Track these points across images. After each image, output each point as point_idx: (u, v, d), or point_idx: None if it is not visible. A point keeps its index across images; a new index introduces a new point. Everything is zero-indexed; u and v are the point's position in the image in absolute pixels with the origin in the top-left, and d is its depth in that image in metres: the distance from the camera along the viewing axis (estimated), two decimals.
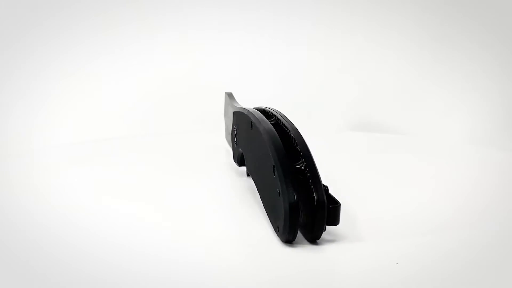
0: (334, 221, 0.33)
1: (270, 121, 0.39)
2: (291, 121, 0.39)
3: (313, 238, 0.33)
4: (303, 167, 0.34)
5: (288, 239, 0.33)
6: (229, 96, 0.54)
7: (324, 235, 0.33)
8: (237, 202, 0.41)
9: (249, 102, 0.51)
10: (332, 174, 0.45)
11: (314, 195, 0.32)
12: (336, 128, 0.79)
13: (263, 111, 0.42)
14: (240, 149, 0.45)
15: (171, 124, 0.77)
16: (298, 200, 0.32)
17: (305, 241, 0.34)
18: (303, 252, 0.32)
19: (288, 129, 0.37)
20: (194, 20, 0.79)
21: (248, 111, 0.42)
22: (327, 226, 0.33)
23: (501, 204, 0.41)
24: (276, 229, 0.34)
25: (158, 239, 0.34)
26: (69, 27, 0.73)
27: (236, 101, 0.53)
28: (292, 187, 0.32)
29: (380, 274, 0.30)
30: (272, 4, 0.80)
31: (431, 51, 0.78)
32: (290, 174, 0.33)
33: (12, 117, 0.70)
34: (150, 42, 0.79)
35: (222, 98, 0.55)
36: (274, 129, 0.37)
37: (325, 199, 0.32)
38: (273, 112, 0.42)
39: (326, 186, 0.33)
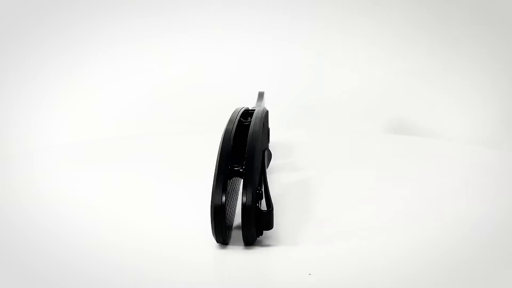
0: (267, 225, 0.32)
1: (245, 122, 0.39)
2: (266, 123, 0.39)
3: (246, 241, 0.33)
4: (241, 170, 0.33)
5: (218, 241, 0.32)
6: (259, 95, 0.55)
7: (265, 239, 0.33)
8: None
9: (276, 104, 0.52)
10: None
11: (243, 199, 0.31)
12: (368, 130, 0.78)
13: (247, 110, 0.43)
14: None
15: (171, 124, 0.77)
16: (224, 203, 0.31)
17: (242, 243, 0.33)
18: (225, 254, 0.32)
19: (251, 131, 0.37)
20: (199, 19, 0.79)
21: (235, 110, 0.42)
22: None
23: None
24: None
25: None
26: (69, 27, 0.73)
27: (260, 100, 0.54)
28: (221, 189, 0.32)
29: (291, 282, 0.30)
30: (300, 7, 0.80)
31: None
32: (222, 175, 0.32)
33: (12, 117, 0.70)
34: (150, 42, 0.79)
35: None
36: (233, 130, 0.37)
37: (252, 203, 0.31)
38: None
39: (260, 190, 0.33)
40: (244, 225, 0.32)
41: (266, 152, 0.40)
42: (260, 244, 0.33)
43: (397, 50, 0.79)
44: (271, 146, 0.59)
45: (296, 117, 0.81)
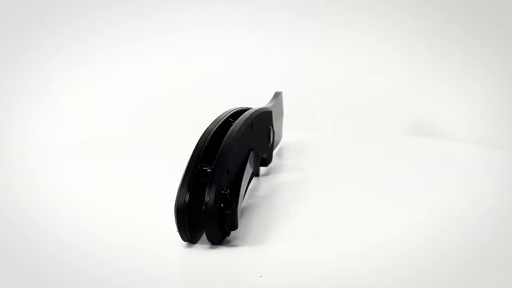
0: (231, 226, 0.32)
1: (233, 122, 0.39)
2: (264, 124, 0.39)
3: (211, 241, 0.33)
4: (209, 170, 0.33)
5: (184, 239, 0.33)
6: (275, 95, 0.56)
7: (234, 239, 0.33)
8: None
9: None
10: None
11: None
12: (392, 132, 0.78)
13: (240, 111, 0.42)
14: None
15: (172, 124, 0.77)
16: (187, 202, 0.31)
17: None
18: (188, 253, 0.32)
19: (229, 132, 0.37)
20: (203, 18, 0.79)
21: (227, 110, 0.42)
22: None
23: None
24: None
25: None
26: (69, 26, 0.72)
27: (274, 101, 0.54)
28: (186, 188, 0.32)
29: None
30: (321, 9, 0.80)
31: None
32: (189, 175, 0.33)
33: (11, 117, 0.70)
34: (151, 41, 0.78)
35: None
36: (213, 130, 0.37)
37: (213, 203, 0.31)
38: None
39: (226, 190, 0.32)
40: (206, 226, 0.32)
41: (253, 153, 0.40)
42: (228, 243, 0.33)
43: (413, 50, 0.79)
44: (281, 147, 0.59)
45: (311, 118, 0.81)
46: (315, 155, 0.59)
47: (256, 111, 0.43)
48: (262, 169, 0.50)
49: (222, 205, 0.32)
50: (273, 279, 0.29)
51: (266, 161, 0.48)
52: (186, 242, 0.33)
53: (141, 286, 0.29)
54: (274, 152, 0.58)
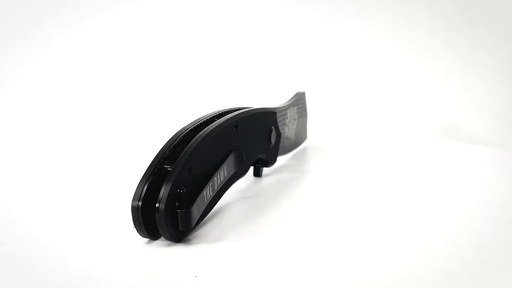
0: (184, 225, 0.32)
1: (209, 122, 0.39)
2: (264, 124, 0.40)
3: (166, 238, 0.33)
4: (169, 169, 0.33)
5: (141, 236, 0.33)
6: (295, 95, 0.57)
7: (194, 238, 0.34)
8: None
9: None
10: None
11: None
12: (425, 135, 0.76)
13: (228, 111, 0.42)
14: None
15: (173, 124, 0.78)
16: (142, 199, 0.32)
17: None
18: (142, 250, 0.33)
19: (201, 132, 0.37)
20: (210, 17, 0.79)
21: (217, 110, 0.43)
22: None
23: None
24: None
25: None
26: (68, 26, 0.73)
27: (291, 101, 0.55)
28: (143, 186, 0.32)
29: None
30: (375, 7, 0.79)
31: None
32: (148, 173, 0.33)
33: (10, 117, 0.71)
34: (151, 42, 0.79)
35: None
36: (187, 129, 0.37)
37: (165, 201, 0.32)
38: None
39: (182, 189, 0.33)
40: (158, 223, 0.32)
41: (234, 154, 0.39)
42: (187, 241, 0.34)
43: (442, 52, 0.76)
44: (305, 147, 0.59)
45: (338, 119, 0.80)
46: (332, 157, 0.58)
47: (244, 111, 0.42)
48: (265, 170, 0.50)
49: (177, 204, 0.32)
50: (210, 277, 0.29)
51: (266, 162, 0.48)
52: (147, 239, 0.34)
53: (89, 280, 0.29)
54: (295, 151, 0.58)
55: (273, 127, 0.48)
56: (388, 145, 0.64)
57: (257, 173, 0.48)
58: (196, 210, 0.34)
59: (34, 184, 0.48)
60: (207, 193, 0.35)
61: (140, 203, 0.32)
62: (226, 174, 0.38)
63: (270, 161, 0.48)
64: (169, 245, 0.33)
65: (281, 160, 0.54)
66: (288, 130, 0.55)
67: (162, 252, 0.32)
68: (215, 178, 0.36)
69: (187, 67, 0.80)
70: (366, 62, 0.79)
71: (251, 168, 0.48)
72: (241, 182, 0.46)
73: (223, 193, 0.39)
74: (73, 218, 0.39)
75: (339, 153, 0.60)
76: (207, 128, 0.37)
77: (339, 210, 0.40)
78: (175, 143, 0.36)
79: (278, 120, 0.50)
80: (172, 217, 0.32)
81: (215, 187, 0.37)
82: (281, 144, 0.52)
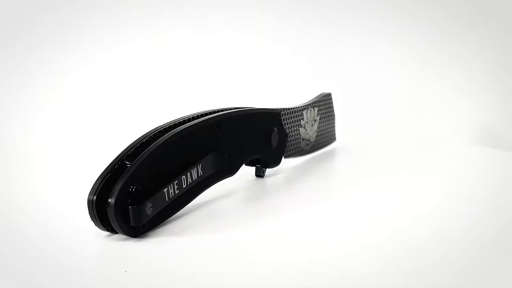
0: (134, 220, 0.33)
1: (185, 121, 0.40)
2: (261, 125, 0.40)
3: (121, 233, 0.34)
4: (128, 166, 0.34)
5: (99, 228, 0.34)
6: (319, 96, 0.57)
7: (154, 233, 0.35)
8: None
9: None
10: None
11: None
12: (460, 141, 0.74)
13: (216, 111, 0.43)
14: None
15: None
16: (97, 194, 0.33)
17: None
18: (98, 244, 0.34)
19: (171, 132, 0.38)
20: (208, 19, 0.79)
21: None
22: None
23: None
24: None
25: None
26: (66, 25, 0.74)
27: (312, 101, 0.55)
28: (100, 181, 0.34)
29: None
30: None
31: None
32: (107, 170, 0.34)
33: (10, 117, 0.73)
34: (152, 42, 0.79)
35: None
36: (158, 129, 0.38)
37: (116, 197, 0.32)
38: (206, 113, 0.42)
39: (134, 187, 0.33)
40: (109, 218, 0.33)
41: (213, 154, 0.40)
42: (147, 236, 0.35)
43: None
44: (331, 149, 0.59)
45: (373, 122, 0.78)
46: (359, 159, 0.57)
47: (232, 111, 0.43)
48: (269, 171, 0.50)
49: (129, 200, 0.33)
50: (150, 273, 0.30)
51: (266, 163, 0.48)
52: (108, 233, 0.35)
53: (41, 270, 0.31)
54: (319, 152, 0.57)
55: (275, 128, 0.48)
56: (415, 149, 0.62)
57: (258, 173, 0.48)
58: (153, 207, 0.34)
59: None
60: (170, 191, 0.36)
61: (95, 197, 0.33)
62: (201, 174, 0.39)
63: (270, 162, 0.48)
64: (126, 239, 0.34)
65: (296, 161, 0.54)
66: (305, 132, 0.54)
67: (114, 245, 0.34)
68: (184, 177, 0.37)
69: (208, 68, 0.81)
70: (399, 65, 0.77)
71: (252, 168, 0.48)
72: (238, 182, 0.46)
73: (201, 191, 0.40)
74: (47, 210, 0.41)
75: (368, 156, 0.59)
76: (180, 127, 0.38)
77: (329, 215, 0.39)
78: (144, 141, 0.37)
79: (288, 121, 0.50)
80: (124, 212, 0.33)
81: (183, 186, 0.37)
82: (296, 146, 0.52)
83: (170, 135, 0.37)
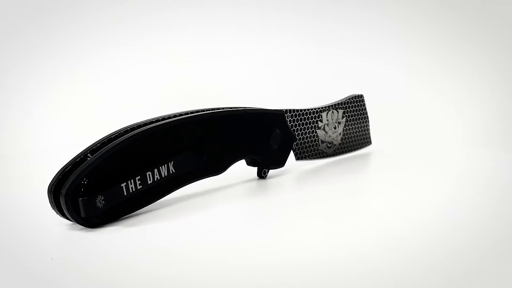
0: (85, 212, 0.35)
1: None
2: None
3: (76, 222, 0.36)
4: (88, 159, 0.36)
5: (61, 216, 0.36)
6: (349, 97, 0.56)
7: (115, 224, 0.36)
8: None
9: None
10: None
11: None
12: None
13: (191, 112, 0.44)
14: None
15: None
16: (55, 184, 0.36)
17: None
18: (57, 233, 0.36)
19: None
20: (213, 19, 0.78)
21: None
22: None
23: None
24: None
25: None
26: (67, 27, 0.74)
27: (331, 103, 0.54)
28: (60, 172, 0.36)
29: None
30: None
31: None
32: (69, 163, 0.37)
33: (10, 117, 0.74)
34: (152, 43, 0.79)
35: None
36: (132, 126, 0.40)
37: (67, 188, 0.35)
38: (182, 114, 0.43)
39: (87, 180, 0.35)
40: (63, 207, 0.35)
41: (188, 153, 0.41)
42: (105, 226, 0.37)
43: None
44: (364, 153, 0.57)
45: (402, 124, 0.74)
46: (393, 162, 0.55)
47: (216, 112, 0.43)
48: (275, 172, 0.50)
49: (80, 192, 0.35)
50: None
51: (265, 164, 0.47)
52: (71, 222, 0.37)
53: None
54: (352, 154, 0.56)
55: (276, 129, 0.47)
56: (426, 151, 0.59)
57: (260, 174, 0.48)
58: (107, 200, 0.36)
59: None
60: (130, 186, 0.37)
61: (53, 188, 0.36)
62: (173, 171, 0.40)
63: (270, 164, 0.48)
64: (84, 229, 0.36)
65: (315, 163, 0.53)
66: (325, 134, 0.53)
67: (73, 234, 0.36)
68: (149, 173, 0.38)
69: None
70: (426, 68, 0.74)
71: (254, 168, 0.49)
72: (238, 182, 0.47)
73: (179, 187, 0.41)
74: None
75: (400, 159, 0.56)
76: (149, 126, 0.39)
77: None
78: (112, 136, 0.38)
79: (300, 122, 0.50)
80: (74, 203, 0.35)
81: (149, 182, 0.38)
82: (314, 148, 0.51)
83: (134, 133, 0.38)
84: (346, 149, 0.56)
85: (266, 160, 0.47)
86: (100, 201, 0.36)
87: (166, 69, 0.78)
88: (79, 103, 0.75)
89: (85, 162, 0.36)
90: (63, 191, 0.35)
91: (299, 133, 0.50)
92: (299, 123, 0.50)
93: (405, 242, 0.33)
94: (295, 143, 0.50)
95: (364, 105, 0.57)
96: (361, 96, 0.57)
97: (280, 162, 0.49)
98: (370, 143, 0.59)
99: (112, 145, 0.37)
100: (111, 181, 0.37)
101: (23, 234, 0.36)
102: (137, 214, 0.39)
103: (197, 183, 0.43)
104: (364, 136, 0.58)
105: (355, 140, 0.57)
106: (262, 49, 0.79)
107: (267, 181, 0.48)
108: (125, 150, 0.37)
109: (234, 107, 0.46)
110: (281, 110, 0.48)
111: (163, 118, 0.41)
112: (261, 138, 0.46)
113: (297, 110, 0.50)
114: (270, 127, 0.47)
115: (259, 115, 0.46)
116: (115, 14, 0.73)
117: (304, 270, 0.29)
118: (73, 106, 0.74)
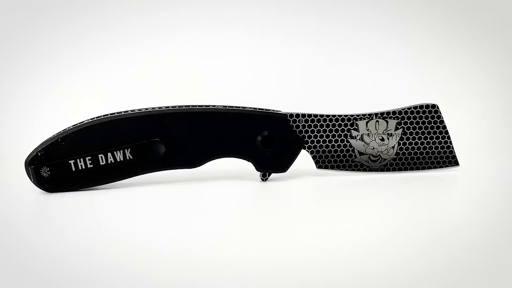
0: (32, 177, 0.43)
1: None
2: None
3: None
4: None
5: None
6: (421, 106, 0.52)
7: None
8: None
9: None
10: None
11: None
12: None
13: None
14: None
15: None
16: (30, 157, 0.43)
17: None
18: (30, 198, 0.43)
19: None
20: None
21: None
22: None
23: None
24: None
25: None
26: (65, 26, 0.73)
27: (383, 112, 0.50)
28: (39, 146, 0.44)
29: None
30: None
31: None
32: (46, 140, 0.44)
33: (10, 116, 0.73)
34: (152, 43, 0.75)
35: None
36: (109, 115, 0.45)
37: (29, 159, 0.43)
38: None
39: (42, 152, 0.43)
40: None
41: (148, 143, 0.45)
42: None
43: None
44: None
45: None
46: None
47: (194, 109, 0.45)
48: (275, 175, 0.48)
49: (35, 162, 0.43)
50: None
51: (259, 167, 0.47)
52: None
53: None
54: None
55: (274, 133, 0.46)
56: None
57: (261, 177, 0.47)
58: (52, 172, 0.43)
59: None
60: (80, 164, 0.43)
61: (29, 159, 0.44)
62: (130, 157, 0.44)
63: (265, 167, 0.47)
64: (43, 193, 0.44)
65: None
66: (365, 145, 0.48)
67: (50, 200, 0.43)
68: (101, 155, 0.44)
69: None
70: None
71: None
72: (237, 181, 0.48)
73: (141, 173, 0.45)
74: None
75: None
76: (118, 115, 0.45)
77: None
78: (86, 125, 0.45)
79: (322, 129, 0.47)
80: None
81: (101, 163, 0.44)
82: (346, 159, 0.47)
83: (96, 118, 0.44)
84: (409, 165, 0.48)
85: (261, 164, 0.47)
86: (45, 172, 0.43)
87: (166, 69, 0.76)
88: (79, 103, 0.75)
89: (48, 138, 0.44)
90: (26, 160, 0.44)
91: (318, 140, 0.47)
92: (318, 129, 0.47)
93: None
94: (310, 150, 0.47)
95: (439, 116, 0.49)
96: (435, 106, 0.49)
97: (280, 166, 0.47)
98: (457, 163, 0.49)
99: (73, 126, 0.44)
100: (62, 157, 0.44)
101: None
102: (135, 212, 0.41)
103: (197, 183, 0.47)
104: (443, 154, 0.49)
105: (426, 157, 0.48)
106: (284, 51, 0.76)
107: (268, 183, 0.47)
108: (83, 132, 0.44)
109: (230, 106, 0.47)
110: (283, 114, 0.47)
111: (140, 110, 0.46)
112: (248, 140, 0.46)
113: (312, 115, 0.47)
114: (264, 129, 0.46)
115: (244, 116, 0.46)
116: (115, 14, 0.74)
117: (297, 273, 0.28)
118: (73, 106, 0.74)
